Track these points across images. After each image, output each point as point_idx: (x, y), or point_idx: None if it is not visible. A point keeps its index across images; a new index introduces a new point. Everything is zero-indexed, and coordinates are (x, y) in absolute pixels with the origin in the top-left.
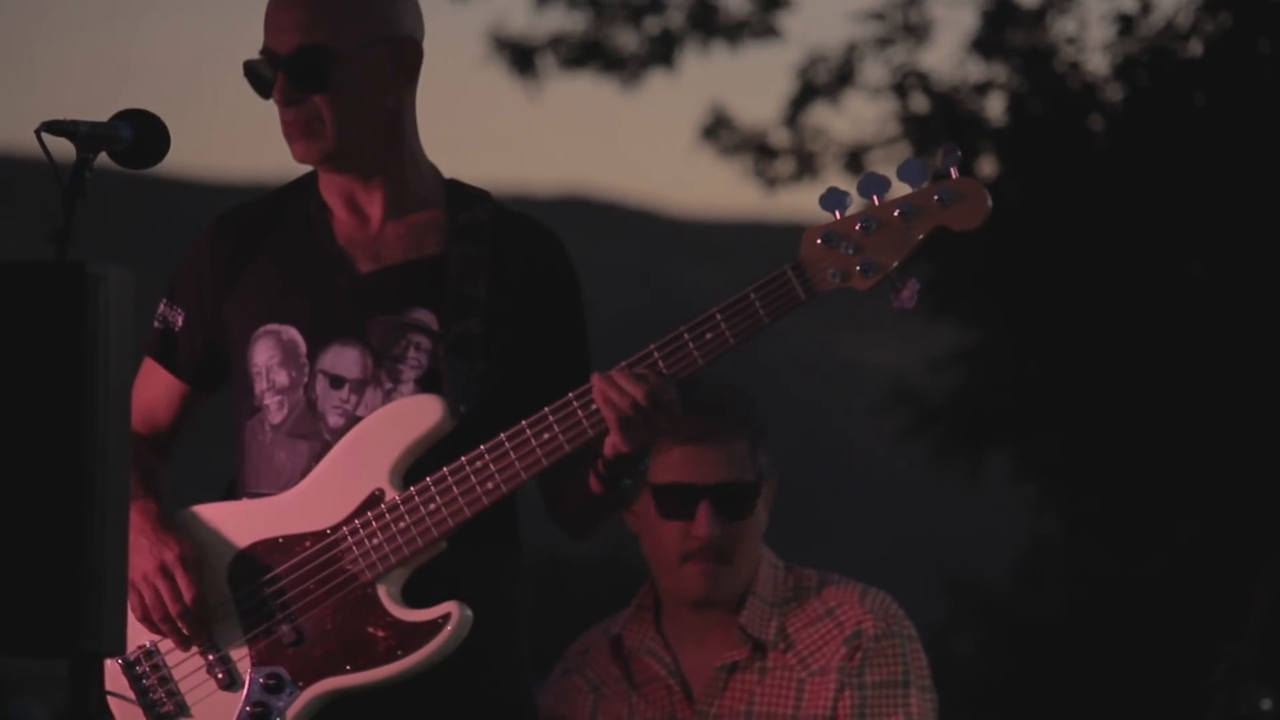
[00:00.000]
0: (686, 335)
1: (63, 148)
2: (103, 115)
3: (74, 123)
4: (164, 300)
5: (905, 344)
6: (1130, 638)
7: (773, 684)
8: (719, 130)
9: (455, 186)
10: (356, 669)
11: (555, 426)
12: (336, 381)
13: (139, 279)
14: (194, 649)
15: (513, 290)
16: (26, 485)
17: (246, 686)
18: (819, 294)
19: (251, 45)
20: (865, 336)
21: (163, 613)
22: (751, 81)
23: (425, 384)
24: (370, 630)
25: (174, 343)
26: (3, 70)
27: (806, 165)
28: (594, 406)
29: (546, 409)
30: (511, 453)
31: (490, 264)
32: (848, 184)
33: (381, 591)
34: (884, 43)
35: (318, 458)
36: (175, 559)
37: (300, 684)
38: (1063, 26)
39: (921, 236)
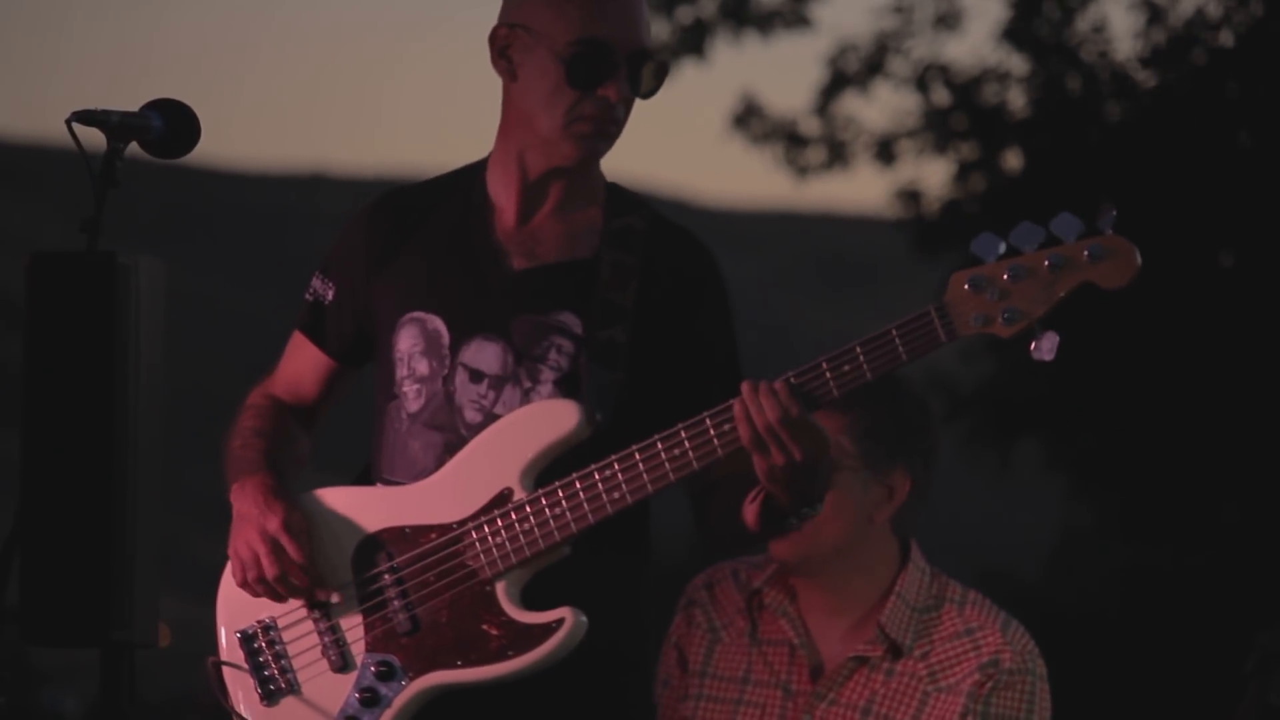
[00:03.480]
0: (825, 365)
1: (94, 137)
2: (127, 103)
3: (105, 113)
4: (317, 273)
5: None
6: (1162, 628)
7: (897, 689)
8: (750, 119)
9: (615, 190)
10: (466, 665)
11: (686, 443)
12: (476, 376)
13: (169, 268)
14: (311, 629)
15: (660, 302)
16: (58, 475)
17: (358, 671)
18: (960, 337)
19: (277, 32)
20: None
21: (259, 575)
22: (782, 70)
23: (563, 386)
24: (484, 628)
25: (323, 317)
26: (29, 59)
27: (837, 154)
28: (726, 426)
29: (680, 424)
30: (641, 464)
31: (641, 273)
32: (878, 173)
33: (499, 590)
34: (906, 35)
35: (451, 451)
36: (279, 525)
37: (410, 674)
38: (1091, 14)
39: (1067, 290)
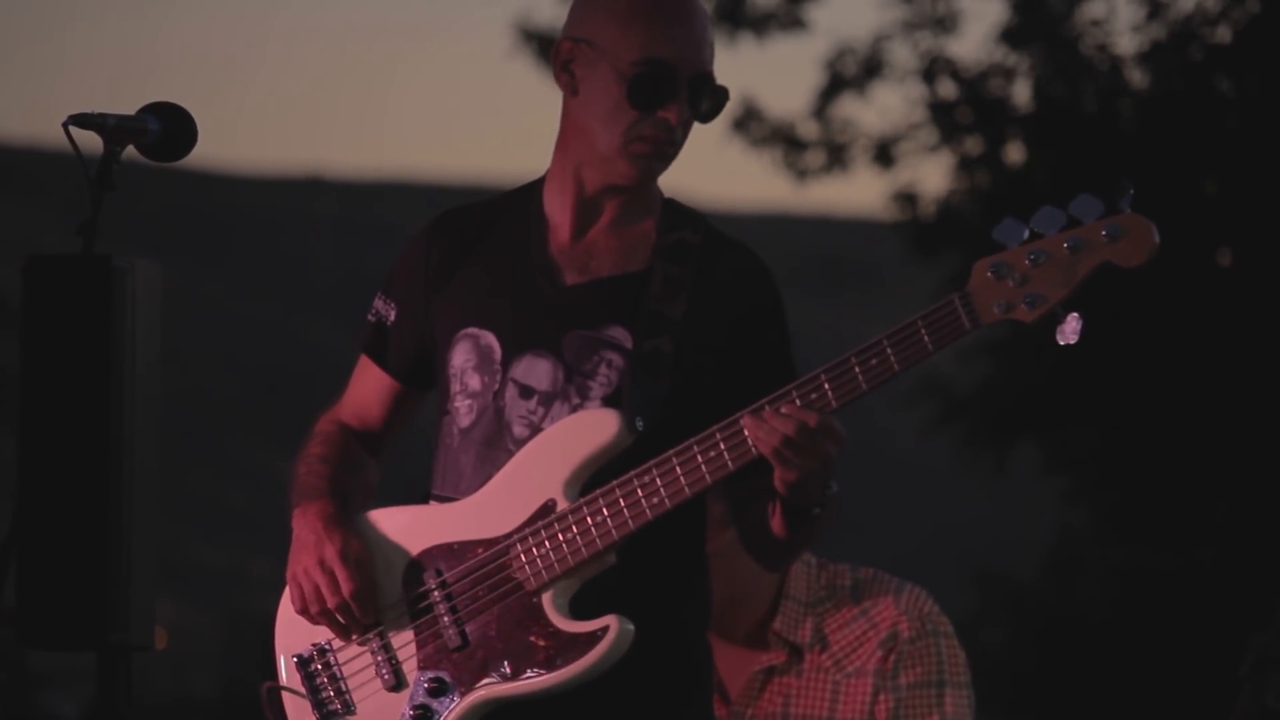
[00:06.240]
0: (854, 360)
1: (91, 140)
2: (129, 107)
3: (101, 116)
4: (380, 294)
5: None
6: (1159, 630)
7: (808, 685)
8: (748, 122)
9: (671, 205)
10: (516, 677)
11: (721, 445)
12: (526, 392)
13: (166, 272)
14: (364, 649)
15: (709, 315)
16: (55, 477)
17: (410, 688)
18: (984, 324)
19: (279, 37)
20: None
21: (320, 606)
22: (780, 73)
23: (611, 402)
24: (532, 639)
25: (385, 338)
26: (30, 63)
27: (836, 157)
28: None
29: (715, 427)
30: (678, 468)
31: (692, 286)
32: (876, 175)
33: (546, 601)
34: (910, 27)
35: (499, 466)
36: (335, 554)
37: (461, 689)
38: (1089, 9)
39: (1087, 271)
